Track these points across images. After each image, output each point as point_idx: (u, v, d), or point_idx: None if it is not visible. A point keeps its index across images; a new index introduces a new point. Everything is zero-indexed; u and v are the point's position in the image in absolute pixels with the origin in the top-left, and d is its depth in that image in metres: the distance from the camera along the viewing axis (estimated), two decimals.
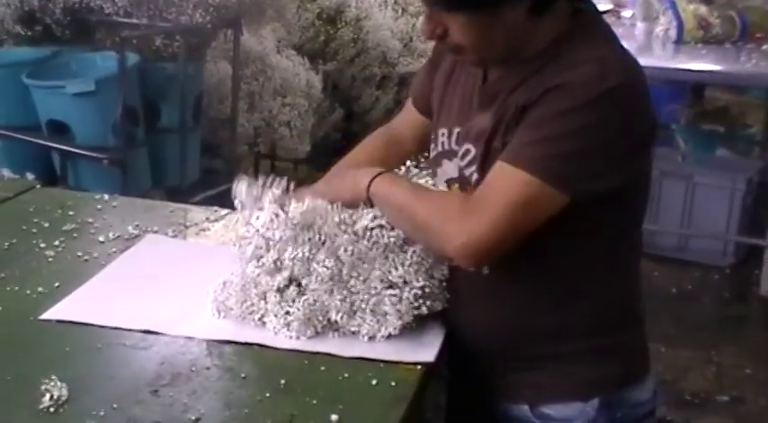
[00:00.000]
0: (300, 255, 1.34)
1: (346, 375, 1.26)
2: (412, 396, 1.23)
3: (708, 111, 4.94)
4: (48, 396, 1.16)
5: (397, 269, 1.35)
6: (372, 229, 1.34)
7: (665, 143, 4.63)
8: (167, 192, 3.66)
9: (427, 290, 1.36)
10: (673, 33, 3.90)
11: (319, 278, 1.35)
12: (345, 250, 1.34)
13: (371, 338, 1.35)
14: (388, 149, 1.59)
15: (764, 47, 4.10)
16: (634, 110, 1.25)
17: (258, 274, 1.37)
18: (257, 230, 1.37)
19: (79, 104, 3.49)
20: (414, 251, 1.35)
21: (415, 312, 1.35)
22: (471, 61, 1.34)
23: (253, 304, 1.38)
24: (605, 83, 1.21)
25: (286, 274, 1.36)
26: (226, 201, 1.58)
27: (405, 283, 1.35)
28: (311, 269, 1.35)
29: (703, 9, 3.93)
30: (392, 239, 1.35)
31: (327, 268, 1.34)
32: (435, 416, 1.61)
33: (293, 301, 1.35)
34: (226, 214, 1.87)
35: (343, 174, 1.46)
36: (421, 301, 1.35)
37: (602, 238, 1.33)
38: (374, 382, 1.25)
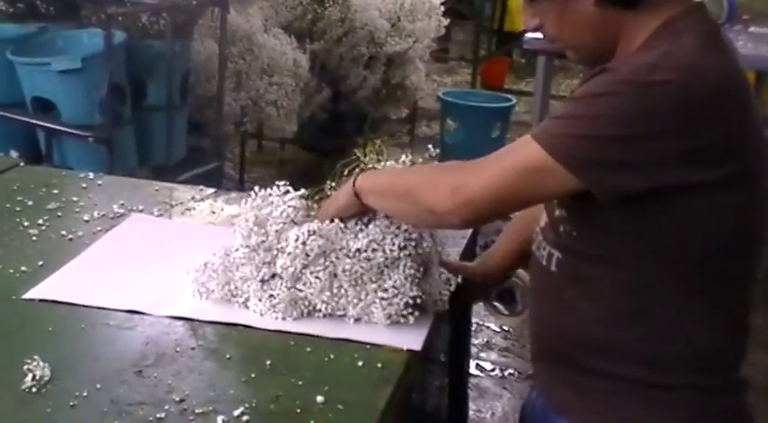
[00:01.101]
0: (293, 269, 1.34)
1: (332, 356, 1.26)
2: (398, 378, 1.22)
3: None
4: (30, 376, 1.15)
5: (390, 278, 1.34)
6: (366, 249, 1.33)
7: None
8: (153, 170, 3.64)
9: (419, 300, 1.36)
10: None
11: (310, 286, 1.35)
12: (344, 271, 1.34)
13: (357, 320, 1.34)
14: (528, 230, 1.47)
15: (751, 29, 4.10)
16: (685, 114, 1.13)
17: (243, 263, 1.36)
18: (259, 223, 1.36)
19: (65, 82, 3.46)
20: (406, 264, 1.34)
21: (402, 320, 1.35)
22: (569, 54, 1.31)
23: (236, 287, 1.37)
24: (654, 75, 1.13)
25: (272, 271, 1.36)
26: (212, 180, 1.58)
27: (397, 291, 1.34)
28: (303, 278, 1.35)
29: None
30: (386, 257, 1.34)
31: (320, 280, 1.34)
32: (422, 398, 1.62)
33: (277, 287, 1.35)
34: (211, 193, 1.86)
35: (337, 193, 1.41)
36: (410, 309, 1.35)
37: (682, 262, 1.20)
38: (360, 363, 1.25)
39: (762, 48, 3.84)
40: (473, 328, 1.88)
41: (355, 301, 1.35)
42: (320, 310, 1.35)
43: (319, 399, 1.15)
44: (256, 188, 1.41)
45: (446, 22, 5.37)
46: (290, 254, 1.33)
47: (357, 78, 4.90)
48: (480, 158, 1.23)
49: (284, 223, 1.36)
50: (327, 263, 1.34)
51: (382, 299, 1.34)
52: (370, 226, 1.35)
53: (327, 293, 1.34)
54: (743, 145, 1.18)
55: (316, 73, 4.63)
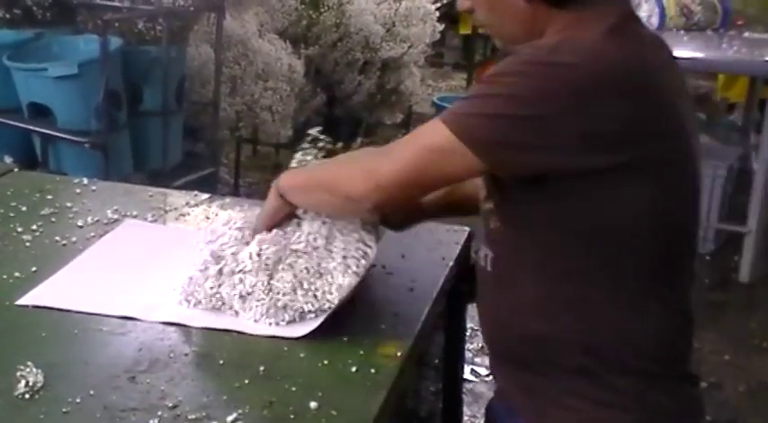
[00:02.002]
0: (262, 282, 1.35)
1: (326, 362, 1.26)
2: (392, 383, 1.22)
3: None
4: (23, 382, 1.15)
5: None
6: (307, 248, 1.35)
7: None
8: (149, 175, 3.65)
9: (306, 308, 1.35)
10: (654, 20, 3.91)
11: (283, 290, 1.34)
12: (301, 270, 1.35)
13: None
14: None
15: (746, 34, 4.11)
16: (584, 96, 1.14)
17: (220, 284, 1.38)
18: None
19: (61, 87, 3.47)
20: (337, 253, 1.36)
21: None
22: (496, 41, 1.35)
23: (222, 298, 1.37)
24: (554, 56, 1.16)
25: (246, 290, 1.36)
26: (207, 185, 1.58)
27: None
28: (273, 286, 1.35)
29: None
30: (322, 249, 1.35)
31: (288, 282, 1.34)
32: (415, 403, 1.62)
33: (256, 300, 1.35)
34: (205, 199, 1.87)
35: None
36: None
37: (603, 250, 1.21)
38: (354, 369, 1.25)
39: (756, 53, 3.86)
40: (468, 333, 1.88)
41: (319, 293, 1.35)
42: (308, 310, 1.35)
43: (313, 405, 1.15)
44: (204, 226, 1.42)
45: (441, 27, 5.38)
46: (251, 271, 1.34)
47: (352, 83, 4.91)
48: (393, 142, 1.26)
49: (236, 246, 1.38)
50: (286, 265, 1.35)
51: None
52: (303, 225, 1.37)
53: (301, 291, 1.34)
54: (647, 133, 1.18)
55: (311, 78, 4.64)
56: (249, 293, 1.35)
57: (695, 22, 3.98)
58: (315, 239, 1.36)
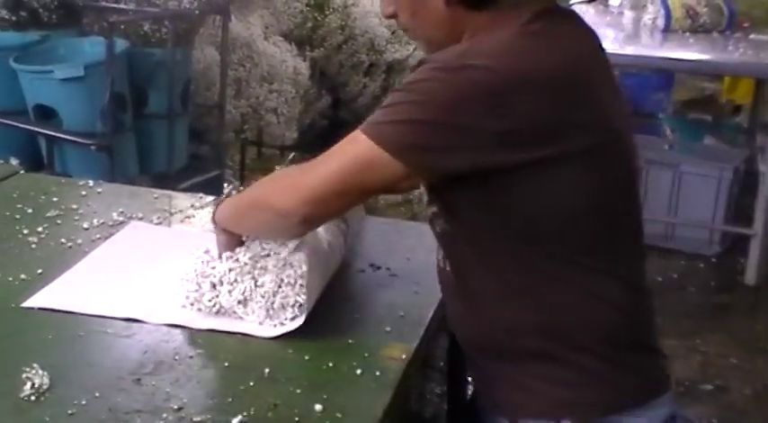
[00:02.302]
0: (247, 286, 1.37)
1: (331, 364, 1.26)
2: (396, 385, 1.23)
3: (695, 99, 4.95)
4: (29, 384, 1.15)
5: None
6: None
7: (652, 132, 4.65)
8: (154, 178, 3.65)
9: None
10: (660, 22, 3.90)
11: (268, 291, 1.36)
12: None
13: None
14: None
15: (752, 36, 4.10)
16: (494, 97, 1.17)
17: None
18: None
19: (67, 89, 3.47)
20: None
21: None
22: (418, 45, 1.39)
23: (222, 305, 1.38)
24: (463, 60, 1.19)
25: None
26: (212, 187, 1.58)
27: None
28: (259, 288, 1.37)
29: None
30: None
31: (270, 281, 1.36)
32: (420, 405, 1.62)
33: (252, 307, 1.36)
34: (210, 201, 1.87)
35: None
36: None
37: (543, 239, 1.25)
38: (359, 371, 1.25)
39: (762, 55, 3.85)
40: None
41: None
42: (301, 304, 1.35)
43: (318, 407, 1.16)
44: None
45: None
46: (237, 278, 1.35)
47: (357, 86, 4.91)
48: (320, 155, 1.26)
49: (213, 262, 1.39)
50: (261, 269, 1.36)
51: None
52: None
53: (288, 287, 1.35)
54: (568, 125, 1.20)
55: (316, 80, 4.64)
56: (248, 299, 1.35)
57: (701, 24, 3.97)
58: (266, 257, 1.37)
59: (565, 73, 1.22)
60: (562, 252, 1.26)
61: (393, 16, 1.34)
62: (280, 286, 1.35)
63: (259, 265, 1.36)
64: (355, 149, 1.22)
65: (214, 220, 1.39)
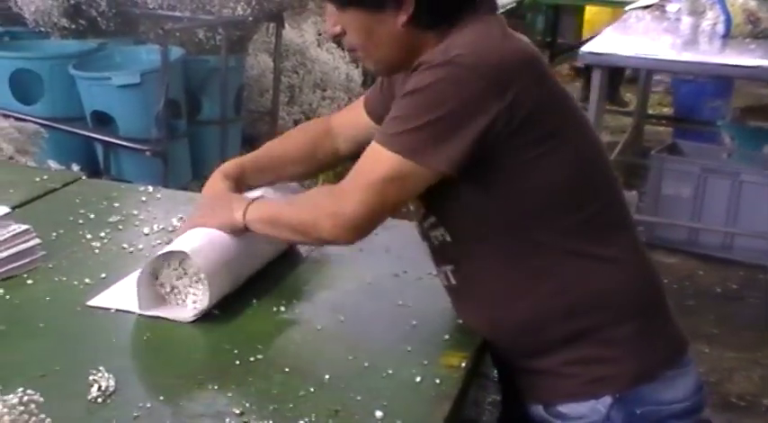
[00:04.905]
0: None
1: (390, 372, 1.26)
2: (457, 394, 1.23)
3: (755, 107, 4.85)
4: (96, 387, 1.17)
5: None
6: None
7: (710, 139, 4.57)
8: None
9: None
10: (720, 28, 3.83)
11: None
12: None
13: None
14: (316, 144, 1.63)
15: None
16: (490, 79, 1.24)
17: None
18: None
19: (124, 96, 3.53)
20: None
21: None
22: (366, 64, 1.39)
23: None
24: (448, 54, 1.24)
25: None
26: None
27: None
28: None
29: (752, 3, 3.85)
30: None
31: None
32: (475, 414, 1.61)
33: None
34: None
35: (215, 206, 1.48)
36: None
37: (542, 221, 1.31)
38: (418, 379, 1.25)
39: None
40: None
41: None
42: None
43: (378, 414, 1.16)
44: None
45: None
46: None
47: None
48: (344, 180, 1.31)
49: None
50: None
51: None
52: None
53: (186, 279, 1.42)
54: (552, 107, 1.30)
55: (368, 87, 4.64)
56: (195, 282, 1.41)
57: (761, 30, 3.89)
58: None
59: (538, 57, 1.33)
60: (568, 227, 1.32)
61: (339, 36, 1.36)
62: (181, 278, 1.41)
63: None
64: (384, 168, 1.26)
65: (244, 216, 1.41)
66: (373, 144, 1.29)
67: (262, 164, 1.62)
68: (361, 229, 1.30)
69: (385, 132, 1.28)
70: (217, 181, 1.57)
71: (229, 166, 1.61)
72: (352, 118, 1.61)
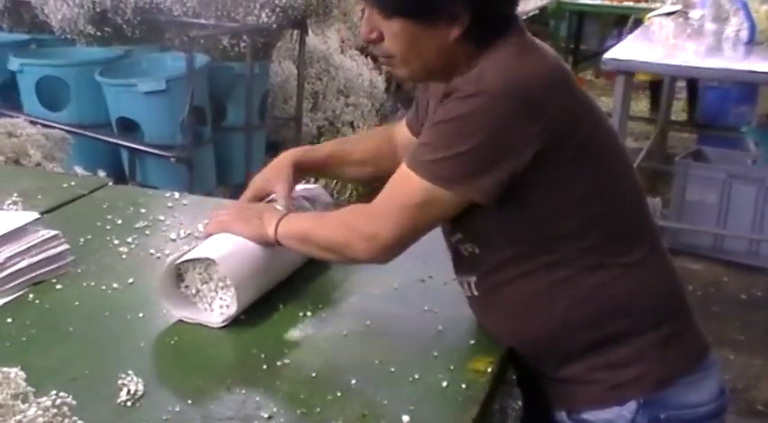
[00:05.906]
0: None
1: (416, 376, 1.26)
2: (483, 399, 1.23)
3: None
4: (125, 390, 1.18)
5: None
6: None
7: (735, 145, 4.53)
8: (232, 189, 3.71)
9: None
10: (744, 35, 3.81)
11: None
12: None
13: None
14: (380, 151, 1.63)
15: None
16: (533, 103, 1.25)
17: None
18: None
19: (149, 103, 3.56)
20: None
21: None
22: (400, 73, 1.38)
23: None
24: (483, 84, 1.25)
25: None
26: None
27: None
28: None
29: None
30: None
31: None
32: (500, 420, 1.61)
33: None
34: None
35: (247, 215, 1.50)
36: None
37: (567, 234, 1.32)
38: (444, 383, 1.25)
39: None
40: None
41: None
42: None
43: (405, 418, 1.16)
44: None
45: None
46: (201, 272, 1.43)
47: None
48: (374, 202, 1.34)
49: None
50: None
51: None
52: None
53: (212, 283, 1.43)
54: (583, 123, 1.32)
55: (391, 94, 4.66)
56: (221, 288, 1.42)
57: None
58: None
59: (569, 74, 1.34)
60: (591, 238, 1.32)
61: (373, 42, 1.34)
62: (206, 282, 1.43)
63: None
64: (416, 195, 1.29)
65: (276, 230, 1.42)
66: (403, 167, 1.30)
67: (329, 161, 1.63)
68: (394, 250, 1.34)
69: (415, 158, 1.29)
70: (283, 166, 1.59)
71: (299, 154, 1.62)
72: (402, 129, 1.61)
